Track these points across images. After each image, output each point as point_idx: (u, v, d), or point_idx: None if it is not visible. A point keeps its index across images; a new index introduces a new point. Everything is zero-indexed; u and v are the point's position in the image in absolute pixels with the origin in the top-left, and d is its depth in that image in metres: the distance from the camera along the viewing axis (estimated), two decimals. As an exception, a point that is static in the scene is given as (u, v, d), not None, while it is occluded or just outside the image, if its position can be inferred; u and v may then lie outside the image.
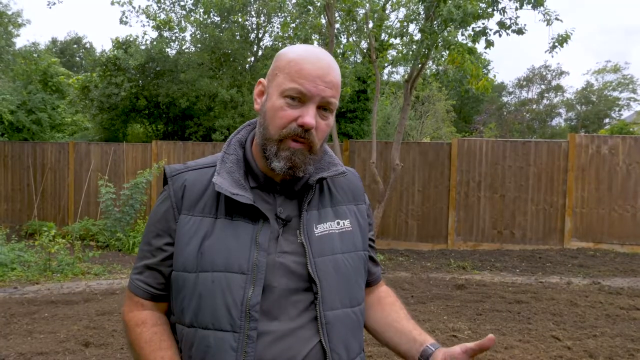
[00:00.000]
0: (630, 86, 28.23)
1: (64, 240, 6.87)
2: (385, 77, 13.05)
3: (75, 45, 31.50)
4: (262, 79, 1.11)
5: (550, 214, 8.42)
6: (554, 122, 32.06)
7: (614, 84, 28.90)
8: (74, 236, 8.42)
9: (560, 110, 31.94)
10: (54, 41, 30.70)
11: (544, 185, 8.47)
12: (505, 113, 30.65)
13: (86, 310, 5.01)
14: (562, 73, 31.34)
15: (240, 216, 1.05)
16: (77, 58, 30.50)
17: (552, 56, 14.79)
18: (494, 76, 8.78)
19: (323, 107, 1.04)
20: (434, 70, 9.58)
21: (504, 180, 8.57)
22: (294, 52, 1.05)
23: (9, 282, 6.16)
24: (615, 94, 28.90)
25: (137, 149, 10.28)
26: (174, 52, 12.85)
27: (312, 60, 1.02)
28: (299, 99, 1.01)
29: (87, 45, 31.37)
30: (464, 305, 5.25)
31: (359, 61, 12.12)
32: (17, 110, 12.51)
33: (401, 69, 12.92)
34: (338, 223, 1.13)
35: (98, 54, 14.08)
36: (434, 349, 1.08)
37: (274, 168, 1.04)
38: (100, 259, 7.54)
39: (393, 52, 10.28)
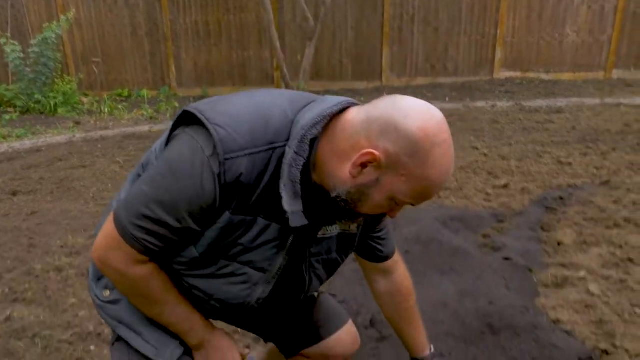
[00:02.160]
0: None
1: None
2: None
3: None
4: (376, 152, 0.84)
5: (482, 45, 8.49)
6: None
7: None
8: (-13, 102, 7.77)
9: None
10: None
11: (477, 16, 8.37)
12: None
13: (11, 166, 4.84)
14: None
15: (275, 220, 0.95)
16: None
17: None
18: None
19: None
20: None
21: (437, 12, 8.37)
22: (437, 169, 0.86)
23: None
24: None
25: (39, 1, 9.07)
26: None
27: (441, 183, 0.89)
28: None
29: None
30: (394, 131, 5.47)
31: None
32: None
33: None
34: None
35: None
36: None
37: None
38: (21, 122, 7.10)
39: None
